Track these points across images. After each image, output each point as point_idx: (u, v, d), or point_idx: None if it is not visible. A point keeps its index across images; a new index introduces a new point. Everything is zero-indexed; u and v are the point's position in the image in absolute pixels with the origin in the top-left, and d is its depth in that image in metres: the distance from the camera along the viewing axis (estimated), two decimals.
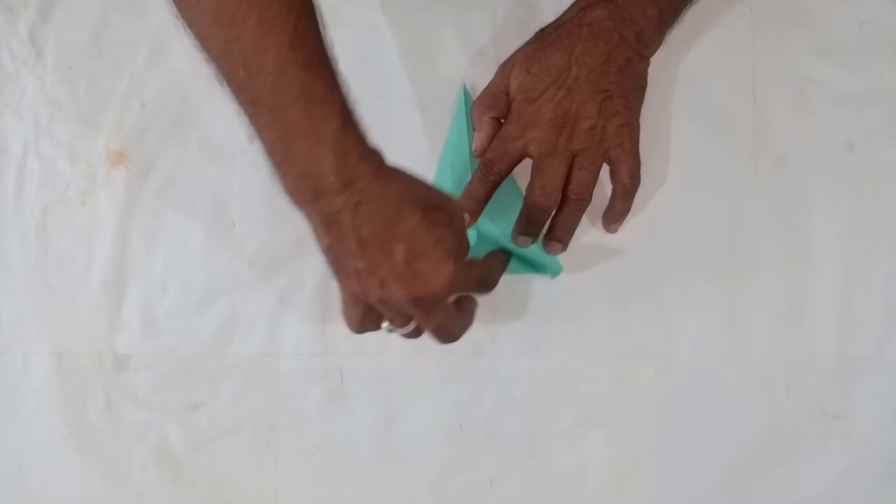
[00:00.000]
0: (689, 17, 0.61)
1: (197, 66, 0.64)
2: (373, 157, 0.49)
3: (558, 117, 0.57)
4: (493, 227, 0.61)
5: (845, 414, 0.62)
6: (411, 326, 0.54)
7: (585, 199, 0.58)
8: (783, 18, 0.63)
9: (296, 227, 0.63)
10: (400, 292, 0.50)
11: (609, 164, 0.59)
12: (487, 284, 0.56)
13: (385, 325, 0.55)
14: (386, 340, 0.63)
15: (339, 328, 0.63)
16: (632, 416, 0.63)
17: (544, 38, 0.58)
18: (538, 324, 0.63)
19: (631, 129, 0.58)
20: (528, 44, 0.60)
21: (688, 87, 0.63)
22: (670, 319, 0.63)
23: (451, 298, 0.54)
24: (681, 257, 0.63)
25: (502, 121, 0.60)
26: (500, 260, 0.59)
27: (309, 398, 0.63)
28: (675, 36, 0.61)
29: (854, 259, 0.63)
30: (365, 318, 0.54)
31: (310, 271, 0.63)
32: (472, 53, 0.64)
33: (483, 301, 0.62)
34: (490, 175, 0.59)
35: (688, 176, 0.63)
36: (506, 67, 0.60)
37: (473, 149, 0.61)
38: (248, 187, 0.64)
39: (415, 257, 0.49)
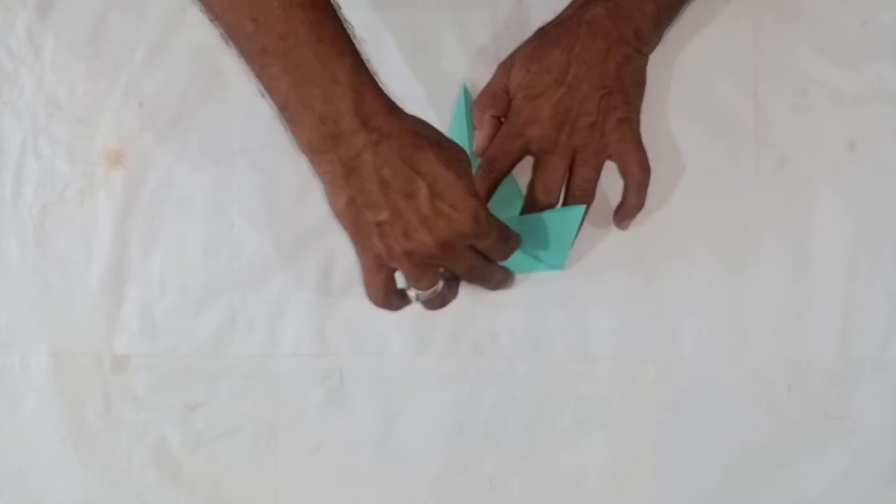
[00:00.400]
0: (690, 16, 0.61)
1: (196, 66, 0.64)
2: (385, 95, 0.50)
3: (559, 114, 0.57)
4: None
5: (847, 415, 0.62)
6: (439, 286, 0.54)
7: (589, 196, 0.59)
8: (784, 17, 0.63)
9: (295, 227, 0.63)
10: (426, 237, 0.50)
11: (614, 160, 0.59)
12: (508, 240, 0.55)
13: (411, 292, 0.55)
14: (386, 340, 0.63)
15: (339, 328, 0.63)
16: (632, 417, 0.63)
17: (543, 36, 0.59)
18: (538, 324, 0.63)
19: (630, 123, 0.58)
20: (527, 42, 0.60)
21: (689, 87, 0.63)
22: (671, 320, 0.63)
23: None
24: (681, 257, 0.63)
25: (503, 119, 0.60)
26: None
27: (308, 398, 0.63)
28: (675, 35, 0.61)
29: (856, 259, 0.62)
30: (389, 286, 0.54)
31: (309, 271, 0.63)
32: (472, 53, 0.64)
33: (483, 301, 0.62)
34: (492, 173, 0.59)
35: (689, 176, 0.63)
36: (505, 66, 0.60)
37: (474, 148, 0.61)
38: (247, 187, 0.64)
39: (437, 195, 0.49)
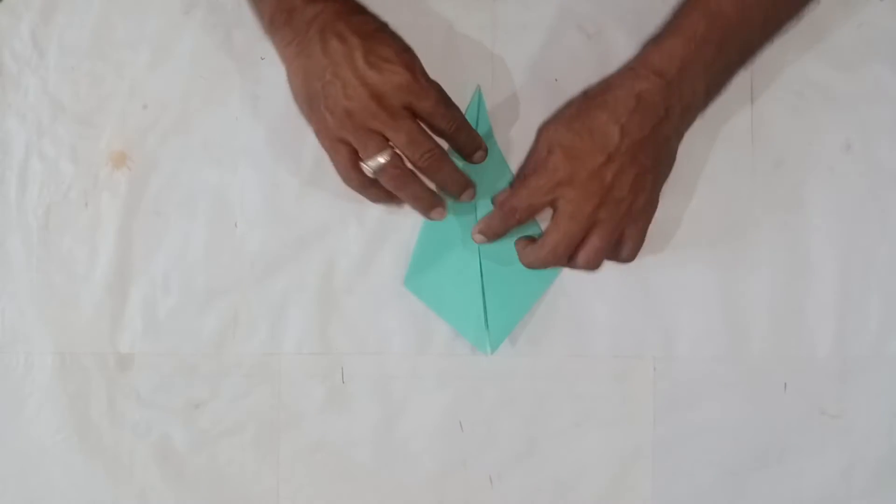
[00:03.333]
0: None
1: (199, 68, 0.64)
2: None
3: (593, 183, 0.55)
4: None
5: (843, 413, 0.63)
6: (386, 155, 0.56)
7: (595, 268, 0.58)
8: None
9: (297, 227, 0.64)
10: (361, 91, 0.54)
11: (618, 236, 0.58)
12: (450, 106, 0.57)
13: (364, 165, 0.57)
14: (387, 339, 0.63)
15: (341, 327, 0.64)
16: (630, 415, 0.63)
17: (590, 99, 0.57)
18: (538, 324, 0.63)
19: (652, 208, 0.58)
20: (571, 102, 0.60)
21: None
22: (669, 319, 0.63)
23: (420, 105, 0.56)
24: (679, 257, 0.63)
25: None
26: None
27: (310, 397, 0.64)
28: None
29: (852, 259, 0.63)
30: (350, 162, 0.57)
31: (311, 271, 0.64)
32: (472, 53, 0.64)
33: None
34: (512, 220, 0.58)
35: (686, 176, 0.63)
36: (547, 126, 0.58)
37: (499, 197, 0.61)
38: (250, 188, 0.64)
39: (372, 51, 0.55)
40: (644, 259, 0.62)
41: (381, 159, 0.56)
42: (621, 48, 0.63)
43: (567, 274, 0.63)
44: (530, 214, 0.58)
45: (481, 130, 0.62)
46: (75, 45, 0.65)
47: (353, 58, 0.55)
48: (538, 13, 0.64)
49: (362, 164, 0.57)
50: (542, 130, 0.58)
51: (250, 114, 0.64)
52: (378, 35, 0.56)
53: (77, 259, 0.64)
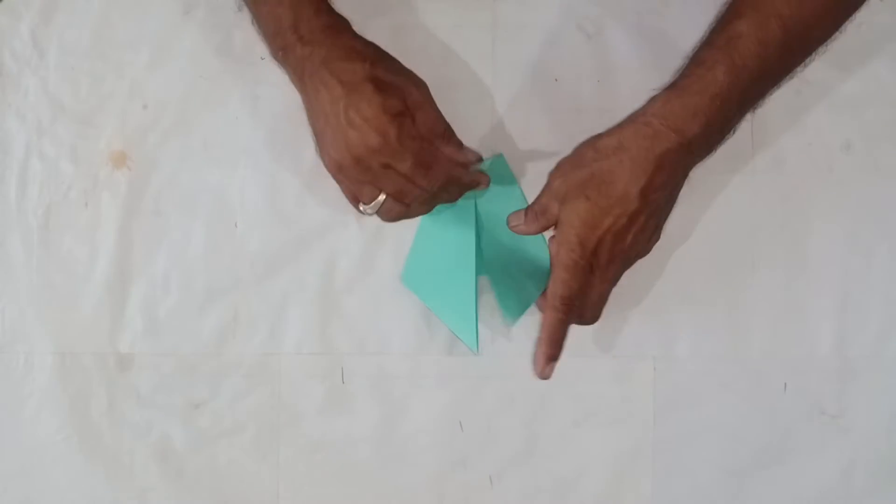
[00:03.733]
0: (688, 16, 0.61)
1: (199, 67, 0.65)
2: (327, 14, 0.55)
3: (616, 246, 0.55)
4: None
5: (843, 413, 0.63)
6: (380, 200, 0.55)
7: (598, 317, 0.58)
8: None
9: (297, 227, 0.64)
10: (343, 151, 0.53)
11: None
12: (429, 168, 0.55)
13: (361, 206, 0.57)
14: (387, 339, 0.63)
15: (340, 327, 0.64)
16: (631, 415, 0.63)
17: (603, 156, 0.55)
18: (538, 324, 0.63)
19: (652, 244, 0.58)
20: (581, 159, 0.56)
21: None
22: (669, 319, 0.63)
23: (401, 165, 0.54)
24: (679, 257, 0.63)
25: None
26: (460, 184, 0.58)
27: (310, 397, 0.64)
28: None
29: (852, 259, 0.63)
30: (351, 195, 0.57)
31: (311, 271, 0.64)
32: (472, 53, 0.64)
33: (483, 301, 0.62)
34: (566, 313, 0.56)
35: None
36: (559, 186, 0.56)
37: (511, 221, 0.59)
38: (250, 187, 0.64)
39: (353, 106, 0.53)
40: (643, 259, 0.62)
41: (375, 205, 0.56)
42: (621, 48, 0.63)
43: None
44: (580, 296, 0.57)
45: (506, 187, 0.62)
46: (75, 45, 0.65)
47: (337, 111, 0.53)
48: (538, 13, 0.64)
49: (360, 206, 0.57)
50: (554, 191, 0.56)
51: (250, 114, 0.64)
52: (362, 88, 0.53)
53: (77, 259, 0.64)
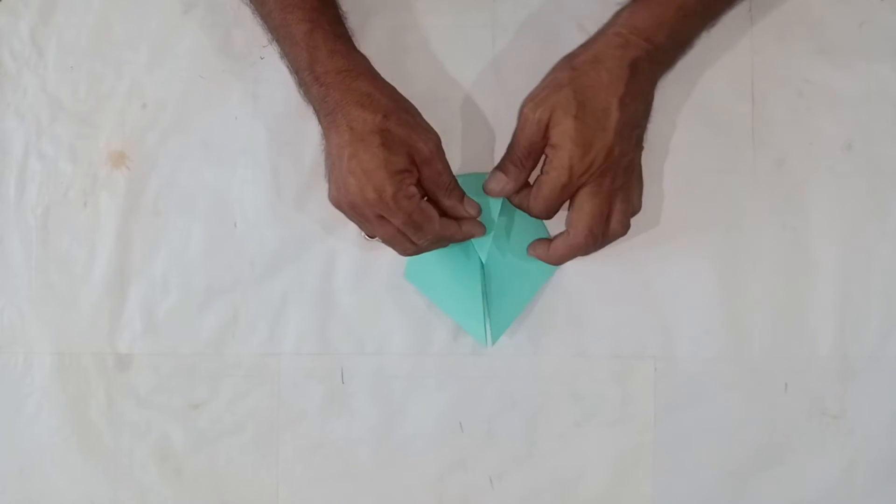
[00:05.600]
0: None
1: (198, 67, 0.64)
2: (342, 58, 0.56)
3: (607, 161, 0.55)
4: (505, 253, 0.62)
5: (844, 413, 0.63)
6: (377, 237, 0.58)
7: (625, 232, 0.58)
8: (782, 19, 0.63)
9: (297, 227, 0.64)
10: (342, 196, 0.55)
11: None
12: (420, 228, 0.56)
13: (362, 232, 0.59)
14: (387, 339, 0.63)
15: (340, 328, 0.64)
16: (631, 416, 0.63)
17: (580, 72, 0.55)
18: (538, 324, 0.63)
19: (640, 154, 0.58)
20: (558, 79, 0.56)
21: (687, 88, 0.63)
22: (669, 318, 0.63)
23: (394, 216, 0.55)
24: (680, 257, 0.63)
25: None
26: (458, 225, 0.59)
27: (310, 397, 0.64)
28: None
29: (853, 259, 0.63)
30: (356, 222, 0.58)
31: (310, 271, 0.64)
32: (472, 53, 0.64)
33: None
34: (534, 211, 0.57)
35: (687, 176, 0.63)
36: (536, 109, 0.56)
37: (492, 188, 0.59)
38: (250, 187, 0.64)
39: (356, 156, 0.54)
40: (645, 258, 0.62)
41: (377, 239, 0.58)
42: None
43: (567, 274, 0.63)
44: (556, 211, 0.58)
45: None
46: (74, 45, 0.65)
47: (341, 156, 0.55)
48: (538, 12, 0.64)
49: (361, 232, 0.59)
50: (536, 122, 0.56)
51: (250, 113, 0.64)
52: (369, 139, 0.54)
53: (76, 259, 0.64)
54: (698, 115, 0.63)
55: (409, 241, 0.57)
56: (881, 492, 0.63)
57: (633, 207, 0.58)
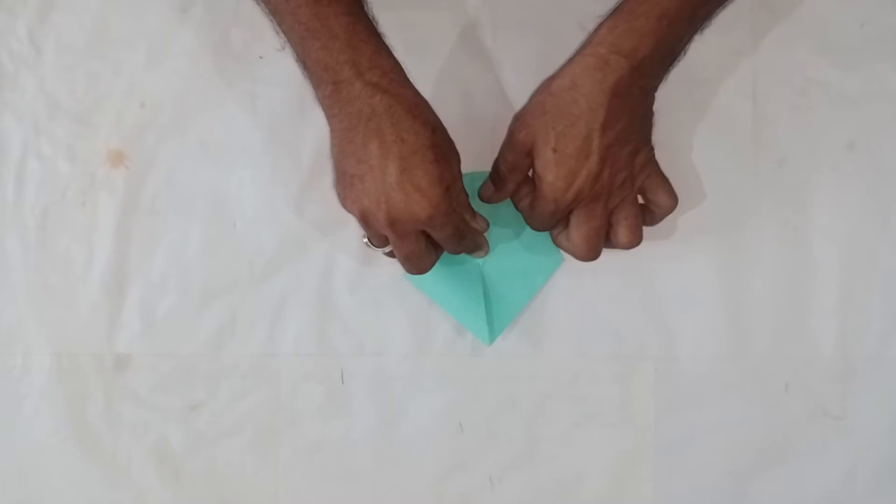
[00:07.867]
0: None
1: (196, 66, 0.64)
2: (387, 56, 0.53)
3: (596, 184, 0.54)
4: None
5: (845, 414, 0.63)
6: (387, 249, 0.57)
7: (638, 242, 0.57)
8: (784, 18, 0.63)
9: (296, 227, 0.64)
10: (381, 210, 0.52)
11: (643, 194, 0.57)
12: (463, 238, 0.56)
13: (364, 238, 0.58)
14: (386, 340, 0.63)
15: (339, 328, 0.63)
16: (631, 416, 0.63)
17: (559, 99, 0.53)
18: (538, 324, 0.63)
19: (652, 159, 0.56)
20: (540, 105, 0.54)
21: (688, 87, 0.63)
22: (670, 319, 0.63)
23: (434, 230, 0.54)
24: (680, 257, 0.63)
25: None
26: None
27: (309, 398, 0.63)
28: None
29: (855, 259, 0.63)
30: (360, 227, 0.56)
31: (310, 271, 0.63)
32: (472, 53, 0.64)
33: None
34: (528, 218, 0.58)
35: (688, 176, 0.63)
36: (520, 128, 0.55)
37: (483, 195, 0.59)
38: (249, 187, 0.64)
39: (408, 170, 0.51)
40: (645, 259, 0.62)
41: (384, 250, 0.58)
42: None
43: (567, 274, 0.63)
44: (552, 228, 0.58)
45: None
46: (72, 44, 0.65)
47: (386, 171, 0.51)
48: (538, 11, 0.63)
49: (364, 239, 0.58)
50: (521, 144, 0.55)
51: (249, 113, 0.64)
52: (423, 153, 0.51)
53: (74, 259, 0.64)
54: (700, 114, 0.63)
55: (426, 259, 0.56)
56: (882, 493, 0.63)
57: (664, 209, 0.57)
